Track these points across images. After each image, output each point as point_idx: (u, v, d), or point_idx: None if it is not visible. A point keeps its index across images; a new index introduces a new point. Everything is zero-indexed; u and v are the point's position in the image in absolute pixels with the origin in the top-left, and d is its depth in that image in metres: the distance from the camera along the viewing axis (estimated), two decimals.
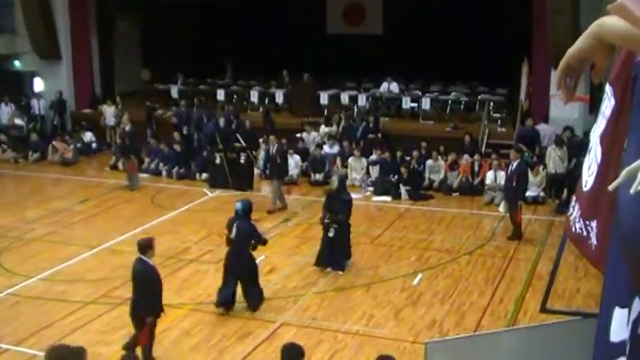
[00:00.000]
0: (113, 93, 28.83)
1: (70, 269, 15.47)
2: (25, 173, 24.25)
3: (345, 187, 15.99)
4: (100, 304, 13.60)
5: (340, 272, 14.99)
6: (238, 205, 13.43)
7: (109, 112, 27.03)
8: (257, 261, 14.96)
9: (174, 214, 19.49)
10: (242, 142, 22.94)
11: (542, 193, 20.17)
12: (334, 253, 15.07)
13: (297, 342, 9.40)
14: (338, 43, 29.34)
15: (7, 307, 13.57)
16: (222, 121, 24.77)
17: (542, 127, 22.47)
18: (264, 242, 13.60)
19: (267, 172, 20.46)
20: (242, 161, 21.74)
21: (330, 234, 14.95)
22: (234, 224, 13.13)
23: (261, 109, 28.00)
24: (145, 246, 11.21)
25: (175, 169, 23.23)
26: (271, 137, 20.56)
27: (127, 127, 22.92)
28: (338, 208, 15.05)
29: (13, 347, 11.59)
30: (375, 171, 21.99)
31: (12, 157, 25.58)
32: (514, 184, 17.33)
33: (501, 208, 18.59)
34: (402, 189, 20.74)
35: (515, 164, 17.56)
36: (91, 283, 14.66)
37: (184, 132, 25.08)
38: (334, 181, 15.86)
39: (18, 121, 27.41)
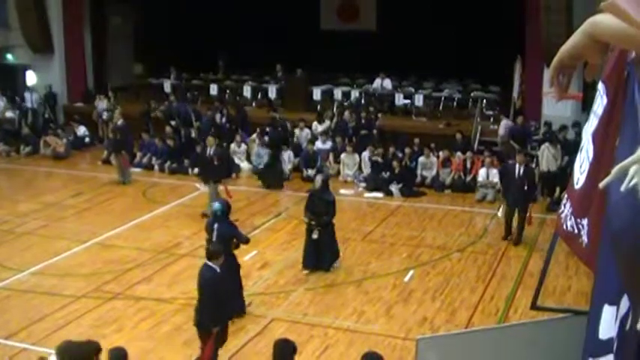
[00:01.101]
0: (106, 87, 28.77)
1: (61, 263, 15.45)
2: (17, 167, 24.18)
3: (328, 186, 15.69)
4: (91, 299, 13.59)
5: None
6: (217, 205, 13.05)
7: (101, 106, 26.96)
8: (247, 257, 14.99)
9: (166, 208, 19.46)
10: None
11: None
12: (321, 255, 14.90)
13: (288, 337, 9.44)
14: (331, 39, 29.34)
15: None
16: (217, 117, 24.79)
17: (503, 123, 22.93)
18: (247, 241, 13.18)
19: (202, 173, 19.23)
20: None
21: (315, 236, 14.72)
22: (214, 227, 12.72)
23: (254, 104, 28.01)
24: (214, 252, 10.83)
25: (167, 163, 23.21)
26: (209, 138, 19.46)
27: (119, 122, 22.85)
28: (321, 208, 14.80)
29: (4, 341, 11.58)
30: (367, 167, 21.98)
31: (4, 151, 25.51)
32: (525, 189, 16.74)
33: (500, 212, 18.29)
34: (394, 187, 20.75)
35: (522, 168, 16.93)
36: (83, 277, 14.64)
37: (173, 126, 24.92)
38: (317, 181, 15.50)
39: (10, 115, 27.33)
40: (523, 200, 16.75)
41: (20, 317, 12.71)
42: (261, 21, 29.85)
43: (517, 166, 17.04)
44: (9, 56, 29.13)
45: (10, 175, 23.40)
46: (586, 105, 18.06)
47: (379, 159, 21.74)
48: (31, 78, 28.86)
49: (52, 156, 24.93)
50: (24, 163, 24.62)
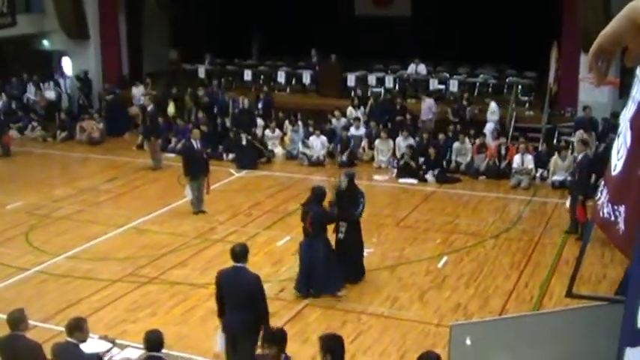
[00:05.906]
0: (141, 73, 28.93)
1: (96, 248, 15.60)
2: (53, 152, 24.41)
3: (354, 183, 14.13)
4: (126, 283, 13.72)
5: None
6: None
7: (136, 92, 27.08)
8: (280, 243, 14.95)
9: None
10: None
11: (569, 177, 19.98)
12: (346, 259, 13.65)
13: (322, 323, 9.45)
14: (366, 25, 29.24)
15: (36, 285, 13.72)
16: (246, 103, 24.89)
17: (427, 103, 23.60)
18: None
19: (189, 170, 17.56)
20: None
21: (340, 235, 13.69)
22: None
23: (288, 90, 28.02)
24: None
25: None
26: (194, 131, 18.70)
27: (149, 108, 22.91)
28: (350, 206, 13.65)
29: (41, 324, 11.70)
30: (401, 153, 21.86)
31: (40, 136, 25.75)
32: (576, 178, 16.25)
33: (568, 203, 16.77)
34: (429, 174, 20.63)
35: (580, 157, 16.39)
36: (118, 261, 14.77)
37: (214, 112, 25.00)
38: (343, 182, 13.92)
39: (48, 97, 27.60)
40: (575, 189, 16.12)
41: (56, 301, 12.87)
42: (296, 6, 29.77)
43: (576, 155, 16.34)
44: (45, 42, 29.35)
45: (46, 161, 23.62)
46: (623, 91, 17.85)
47: (413, 144, 21.67)
48: (66, 64, 29.06)
49: (87, 141, 25.12)
50: (60, 148, 24.82)
